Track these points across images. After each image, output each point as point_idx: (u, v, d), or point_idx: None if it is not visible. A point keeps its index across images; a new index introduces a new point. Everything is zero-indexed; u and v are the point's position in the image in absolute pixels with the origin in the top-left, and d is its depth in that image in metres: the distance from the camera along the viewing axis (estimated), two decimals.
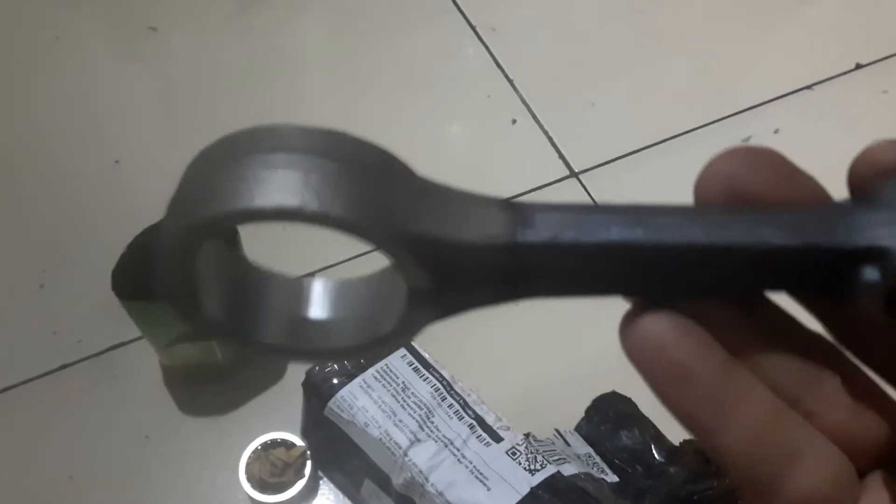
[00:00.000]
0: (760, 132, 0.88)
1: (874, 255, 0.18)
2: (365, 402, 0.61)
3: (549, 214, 0.19)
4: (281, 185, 0.17)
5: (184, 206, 0.18)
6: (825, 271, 0.19)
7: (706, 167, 0.20)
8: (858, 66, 0.95)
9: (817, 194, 0.20)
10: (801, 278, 0.20)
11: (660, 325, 0.19)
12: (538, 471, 0.59)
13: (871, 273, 0.19)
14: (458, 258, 0.18)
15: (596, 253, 0.19)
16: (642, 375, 0.19)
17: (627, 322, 0.19)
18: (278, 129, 0.18)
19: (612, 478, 0.64)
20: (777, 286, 0.20)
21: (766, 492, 0.19)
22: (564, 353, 0.74)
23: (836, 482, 0.19)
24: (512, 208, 0.19)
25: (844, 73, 0.94)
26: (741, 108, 0.90)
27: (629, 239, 0.19)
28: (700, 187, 0.20)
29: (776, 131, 0.87)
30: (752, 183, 0.19)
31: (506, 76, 0.93)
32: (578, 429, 0.68)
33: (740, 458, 0.19)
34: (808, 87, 0.92)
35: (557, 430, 0.66)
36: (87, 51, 0.95)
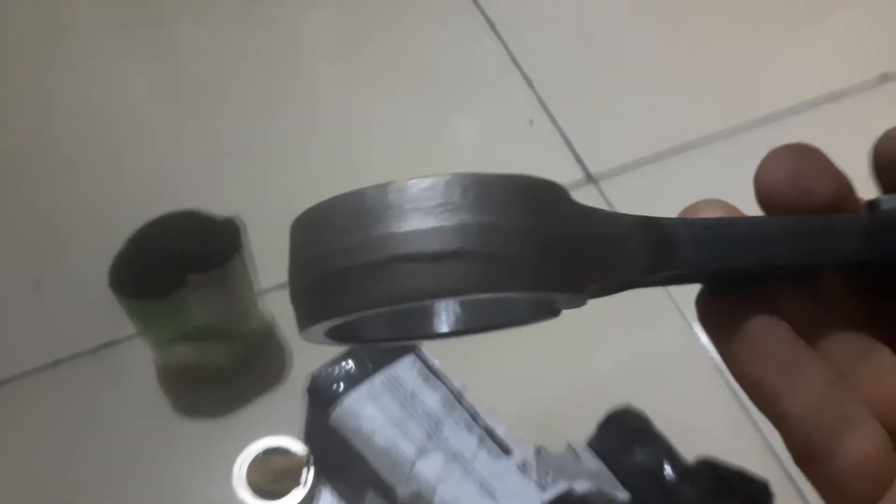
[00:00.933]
0: (783, 141, 0.85)
1: None
2: (371, 410, 0.59)
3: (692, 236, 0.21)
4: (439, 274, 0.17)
5: (321, 294, 0.18)
6: None
7: (767, 158, 0.22)
8: (884, 78, 0.92)
9: (852, 193, 0.22)
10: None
11: (737, 303, 0.22)
12: (550, 486, 0.56)
13: None
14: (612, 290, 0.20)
15: (730, 270, 0.21)
16: (716, 346, 0.22)
17: (704, 297, 0.22)
18: (406, 190, 0.17)
19: (624, 495, 0.62)
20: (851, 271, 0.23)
21: (821, 457, 0.21)
22: (577, 365, 0.72)
23: (884, 450, 0.21)
24: (657, 230, 0.20)
25: (869, 82, 0.92)
26: (763, 114, 0.88)
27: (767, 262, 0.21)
28: (762, 178, 0.22)
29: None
30: (814, 178, 0.22)
31: (523, 75, 0.90)
32: (591, 443, 0.66)
33: (800, 424, 0.21)
34: (833, 96, 0.90)
35: (569, 444, 0.64)
36: (92, 41, 0.92)
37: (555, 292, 0.18)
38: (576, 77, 0.91)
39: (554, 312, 0.21)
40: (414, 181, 0.17)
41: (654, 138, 0.86)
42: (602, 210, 0.20)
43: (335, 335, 0.20)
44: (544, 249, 0.18)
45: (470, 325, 0.22)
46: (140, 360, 0.70)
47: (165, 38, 0.93)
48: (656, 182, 0.84)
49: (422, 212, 0.17)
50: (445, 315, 0.22)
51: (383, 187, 0.18)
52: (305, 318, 0.18)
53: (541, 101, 0.88)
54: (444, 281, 0.17)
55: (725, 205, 0.23)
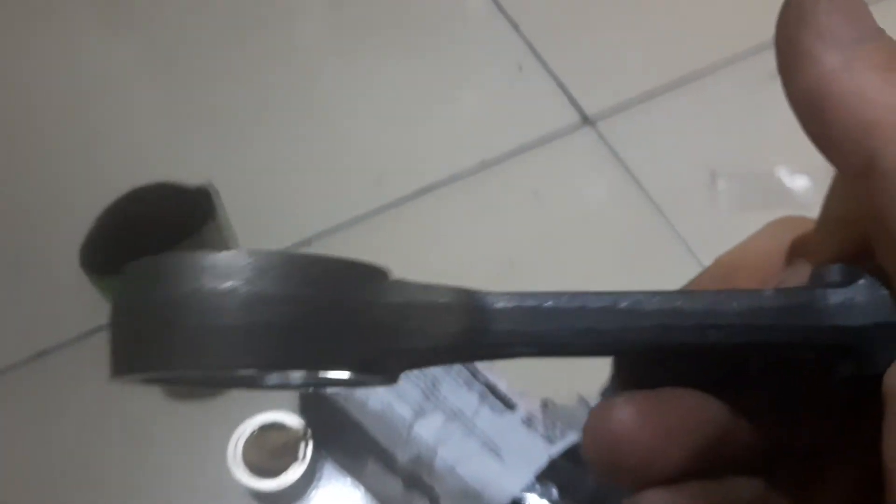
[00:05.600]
0: None
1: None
2: None
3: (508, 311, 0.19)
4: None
5: (135, 347, 0.18)
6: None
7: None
8: None
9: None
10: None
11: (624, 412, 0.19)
12: (558, 438, 0.53)
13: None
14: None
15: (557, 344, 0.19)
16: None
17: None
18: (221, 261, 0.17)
19: None
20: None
21: None
22: None
23: None
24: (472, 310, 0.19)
25: None
26: (767, 38, 0.84)
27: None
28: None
29: None
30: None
31: (508, 19, 0.87)
32: (604, 394, 0.63)
33: None
34: None
35: (581, 396, 0.61)
36: (58, 12, 0.90)
37: (351, 371, 0.18)
38: (564, 16, 0.87)
39: (389, 380, 0.19)
40: (228, 253, 0.17)
41: (651, 73, 0.82)
42: (415, 283, 0.18)
43: (153, 379, 0.19)
44: (328, 326, 0.17)
45: (297, 384, 0.21)
46: None
47: (137, 6, 0.90)
48: (657, 119, 0.80)
49: (230, 281, 0.17)
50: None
51: (203, 254, 0.18)
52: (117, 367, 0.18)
53: (529, 45, 0.85)
54: (234, 353, 0.17)
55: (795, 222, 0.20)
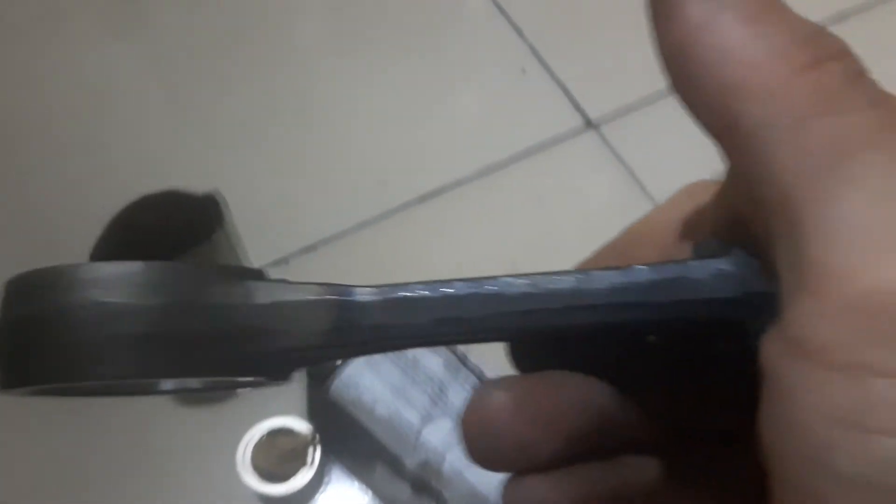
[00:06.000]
0: None
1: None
2: (371, 379, 0.57)
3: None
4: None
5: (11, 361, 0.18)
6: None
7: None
8: None
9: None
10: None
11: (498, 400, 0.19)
12: None
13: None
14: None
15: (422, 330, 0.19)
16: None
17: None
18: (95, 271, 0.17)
19: None
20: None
21: None
22: None
23: None
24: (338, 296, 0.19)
25: None
26: None
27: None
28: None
29: None
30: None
31: (511, 23, 0.87)
32: None
33: None
34: (841, 15, 0.86)
35: None
36: (68, 18, 0.90)
37: (225, 375, 0.18)
38: (566, 20, 0.87)
39: (278, 379, 0.19)
40: (101, 265, 0.18)
41: (654, 77, 0.80)
42: (286, 283, 0.18)
43: (47, 391, 0.19)
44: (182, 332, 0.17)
45: (193, 388, 0.22)
46: None
47: (141, 12, 0.90)
48: (661, 123, 0.80)
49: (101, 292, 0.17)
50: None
51: (78, 265, 0.18)
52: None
53: (532, 49, 0.85)
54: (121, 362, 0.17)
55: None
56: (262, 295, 0.18)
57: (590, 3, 0.89)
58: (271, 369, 0.18)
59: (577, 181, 0.78)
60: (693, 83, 0.16)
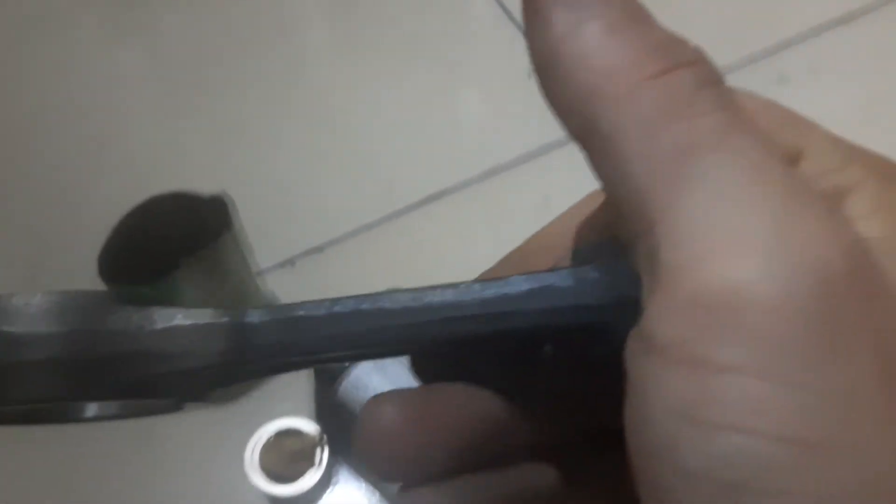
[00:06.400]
0: (795, 72, 0.81)
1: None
2: (379, 380, 0.57)
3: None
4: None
5: None
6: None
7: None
8: None
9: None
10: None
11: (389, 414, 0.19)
12: None
13: None
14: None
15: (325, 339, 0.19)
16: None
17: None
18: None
19: None
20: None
21: None
22: None
23: None
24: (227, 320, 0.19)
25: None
26: (770, 45, 0.84)
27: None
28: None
29: (812, 70, 0.80)
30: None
31: (517, 25, 0.87)
32: None
33: None
34: (847, 17, 0.86)
35: None
36: (71, 22, 0.90)
37: (117, 398, 0.19)
38: None
39: (172, 407, 0.20)
40: (4, 296, 0.18)
41: None
42: (179, 309, 0.19)
43: None
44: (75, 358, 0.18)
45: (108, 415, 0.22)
46: None
47: (146, 14, 0.90)
48: None
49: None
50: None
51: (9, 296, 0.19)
52: None
53: None
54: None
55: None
56: (160, 320, 0.18)
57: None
58: (175, 390, 0.19)
59: (583, 182, 0.78)
60: (557, 89, 0.17)
